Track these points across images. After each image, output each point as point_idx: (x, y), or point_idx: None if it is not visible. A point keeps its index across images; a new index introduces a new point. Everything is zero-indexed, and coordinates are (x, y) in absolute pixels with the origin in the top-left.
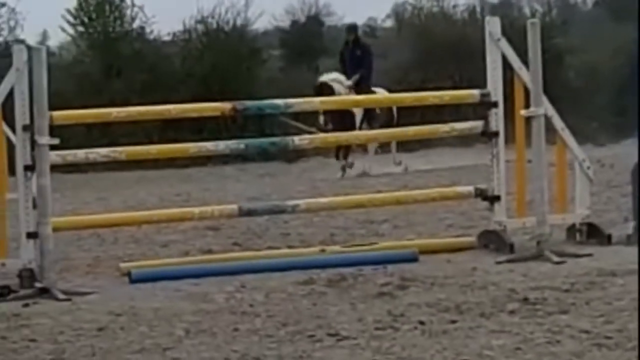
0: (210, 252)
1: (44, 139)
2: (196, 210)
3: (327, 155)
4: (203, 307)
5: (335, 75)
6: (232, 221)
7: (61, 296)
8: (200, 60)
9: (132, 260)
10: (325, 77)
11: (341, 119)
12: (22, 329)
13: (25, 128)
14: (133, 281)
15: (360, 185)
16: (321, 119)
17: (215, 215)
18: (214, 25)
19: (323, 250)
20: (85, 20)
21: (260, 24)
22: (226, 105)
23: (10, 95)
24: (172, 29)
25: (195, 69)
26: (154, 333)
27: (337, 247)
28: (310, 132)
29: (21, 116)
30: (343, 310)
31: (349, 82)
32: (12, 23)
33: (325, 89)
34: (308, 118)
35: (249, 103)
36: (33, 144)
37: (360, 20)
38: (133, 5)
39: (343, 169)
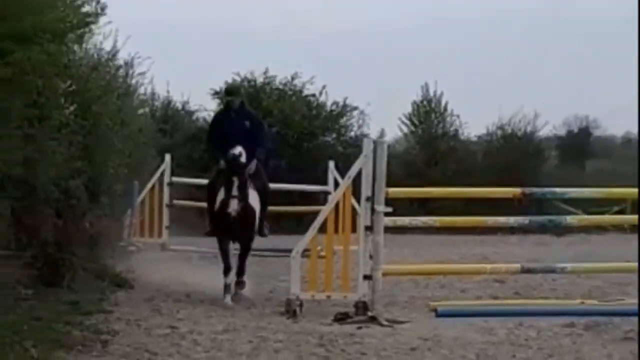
0: (497, 298)
1: (381, 207)
2: (488, 266)
3: (589, 232)
4: (489, 339)
5: (240, 148)
6: (515, 277)
7: (385, 323)
8: (497, 156)
9: (439, 300)
10: (237, 150)
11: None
12: (356, 345)
13: (367, 199)
14: (439, 315)
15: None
16: (233, 205)
17: (502, 271)
18: (510, 131)
19: (582, 303)
20: (416, 122)
21: (544, 132)
22: (517, 190)
23: (357, 175)
24: (478, 132)
25: (494, 163)
26: (452, 355)
27: (593, 301)
28: (576, 214)
29: (365, 190)
30: (595, 349)
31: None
32: (360, 122)
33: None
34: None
35: (534, 189)
36: (372, 211)
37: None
38: (452, 114)
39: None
